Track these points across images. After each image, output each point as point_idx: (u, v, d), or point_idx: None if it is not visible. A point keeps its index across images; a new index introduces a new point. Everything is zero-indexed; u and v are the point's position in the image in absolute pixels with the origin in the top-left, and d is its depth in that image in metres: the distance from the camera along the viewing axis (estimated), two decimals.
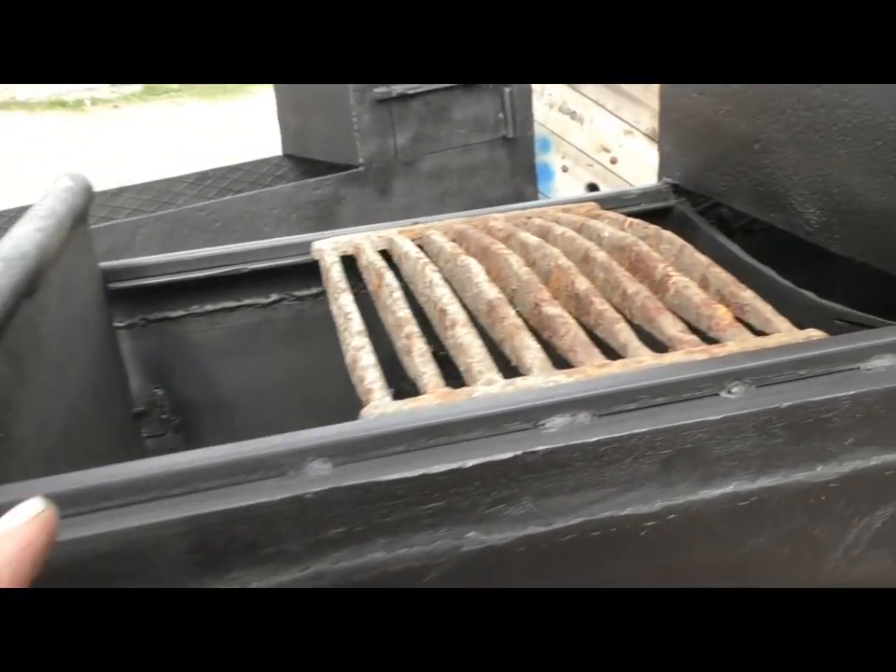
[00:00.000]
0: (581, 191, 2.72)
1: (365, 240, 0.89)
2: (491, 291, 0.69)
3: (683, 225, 0.92)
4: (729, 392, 0.55)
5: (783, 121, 0.73)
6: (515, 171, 2.28)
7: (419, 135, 2.11)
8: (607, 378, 0.56)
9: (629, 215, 0.94)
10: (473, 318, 0.70)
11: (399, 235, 0.88)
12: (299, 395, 0.98)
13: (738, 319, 0.65)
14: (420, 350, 0.61)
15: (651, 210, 0.94)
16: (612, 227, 0.82)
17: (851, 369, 0.57)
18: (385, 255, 0.88)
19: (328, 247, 0.88)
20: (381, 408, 0.55)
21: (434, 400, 0.55)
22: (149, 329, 0.94)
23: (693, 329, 0.64)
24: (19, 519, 0.35)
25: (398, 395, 0.60)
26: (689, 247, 0.75)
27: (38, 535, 0.35)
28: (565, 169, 2.78)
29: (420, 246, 0.89)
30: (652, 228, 0.81)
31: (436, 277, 0.73)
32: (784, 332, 0.60)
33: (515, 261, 0.74)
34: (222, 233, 2.06)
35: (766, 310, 0.64)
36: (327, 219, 2.11)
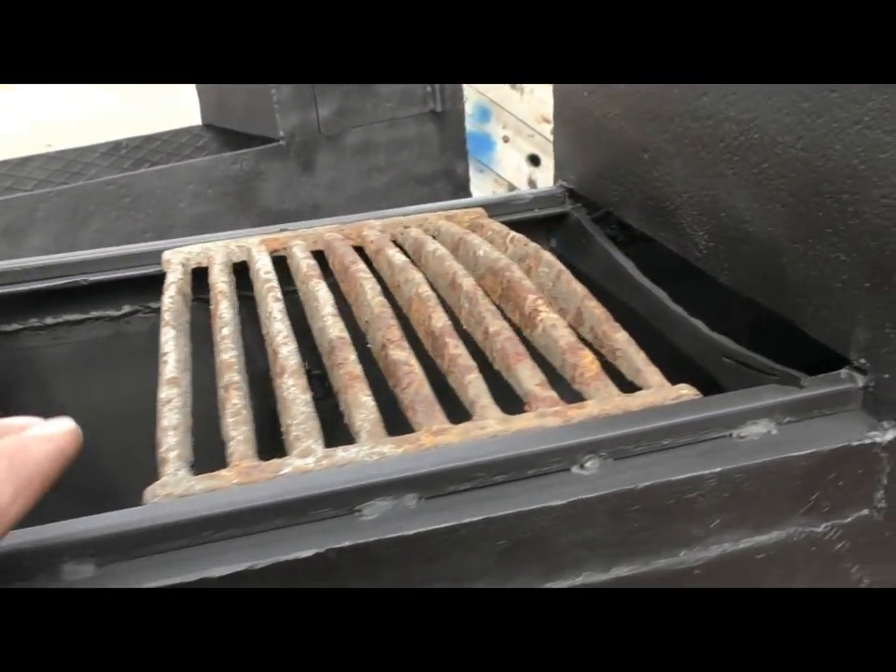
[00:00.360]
0: (522, 162, 2.65)
1: (222, 250, 0.79)
2: (334, 328, 0.60)
3: (578, 234, 0.84)
4: (581, 467, 0.48)
5: (672, 131, 0.65)
6: (445, 146, 2.18)
7: (343, 108, 2.00)
8: (441, 451, 0.48)
9: (521, 221, 0.85)
10: (318, 358, 0.62)
11: (258, 247, 0.78)
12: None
13: (608, 364, 0.57)
14: (234, 407, 0.52)
15: (545, 217, 0.86)
16: (490, 244, 0.73)
17: (722, 436, 0.49)
18: (246, 268, 0.79)
19: (177, 259, 0.77)
20: (168, 487, 0.46)
21: (233, 479, 0.46)
22: None
23: (558, 377, 0.57)
24: (57, 427, 0.37)
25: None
26: (566, 274, 0.67)
27: (70, 445, 0.37)
28: (506, 139, 2.71)
29: (284, 259, 0.79)
30: (532, 246, 0.72)
31: (276, 308, 0.63)
32: (653, 389, 0.52)
33: (370, 289, 0.65)
34: (133, 209, 1.93)
35: (638, 358, 0.56)
36: (246, 195, 2.00)
